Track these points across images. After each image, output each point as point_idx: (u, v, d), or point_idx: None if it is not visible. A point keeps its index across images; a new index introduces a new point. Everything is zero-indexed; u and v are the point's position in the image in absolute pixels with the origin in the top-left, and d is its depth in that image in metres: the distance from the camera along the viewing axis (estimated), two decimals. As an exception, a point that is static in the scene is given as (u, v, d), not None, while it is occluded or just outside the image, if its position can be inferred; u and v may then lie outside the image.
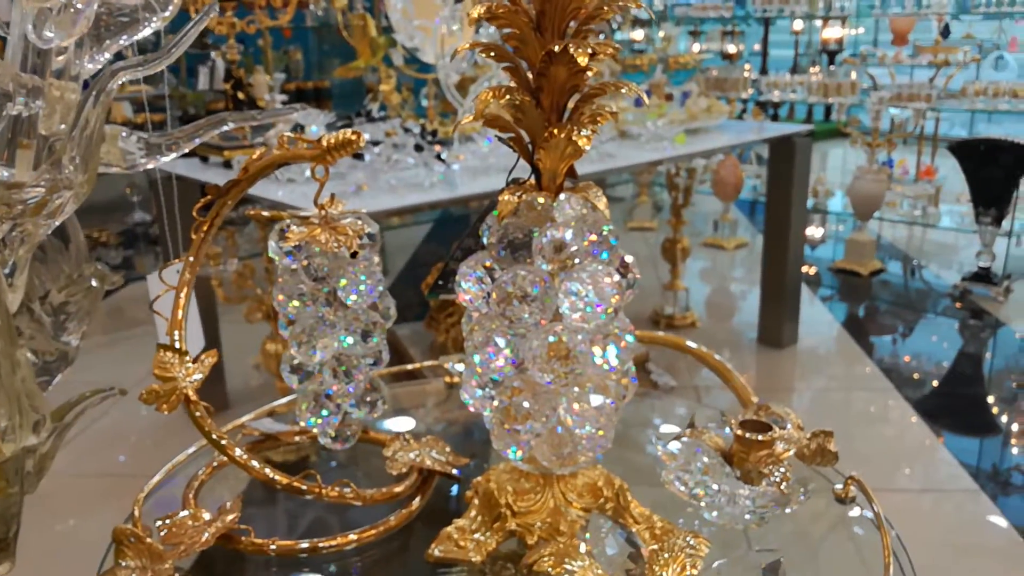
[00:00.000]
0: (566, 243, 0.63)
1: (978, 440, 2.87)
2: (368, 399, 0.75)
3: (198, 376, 0.70)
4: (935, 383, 3.29)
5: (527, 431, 0.67)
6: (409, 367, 1.06)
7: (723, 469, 0.73)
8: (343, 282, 0.69)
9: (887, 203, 4.83)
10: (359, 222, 0.69)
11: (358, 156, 2.40)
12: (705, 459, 0.73)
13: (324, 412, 0.73)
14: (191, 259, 0.76)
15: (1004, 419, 3.01)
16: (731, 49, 7.38)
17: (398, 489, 0.77)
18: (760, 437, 0.71)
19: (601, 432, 0.67)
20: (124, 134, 0.90)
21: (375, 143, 2.41)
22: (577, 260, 0.64)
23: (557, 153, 0.63)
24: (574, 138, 0.60)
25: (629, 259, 0.68)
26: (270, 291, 2.72)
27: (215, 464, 0.85)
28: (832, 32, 7.69)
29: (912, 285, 4.65)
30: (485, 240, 0.67)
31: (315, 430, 0.74)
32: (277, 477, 0.70)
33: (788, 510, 0.71)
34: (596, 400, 0.66)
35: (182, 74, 6.64)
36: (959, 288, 4.24)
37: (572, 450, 0.68)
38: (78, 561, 1.99)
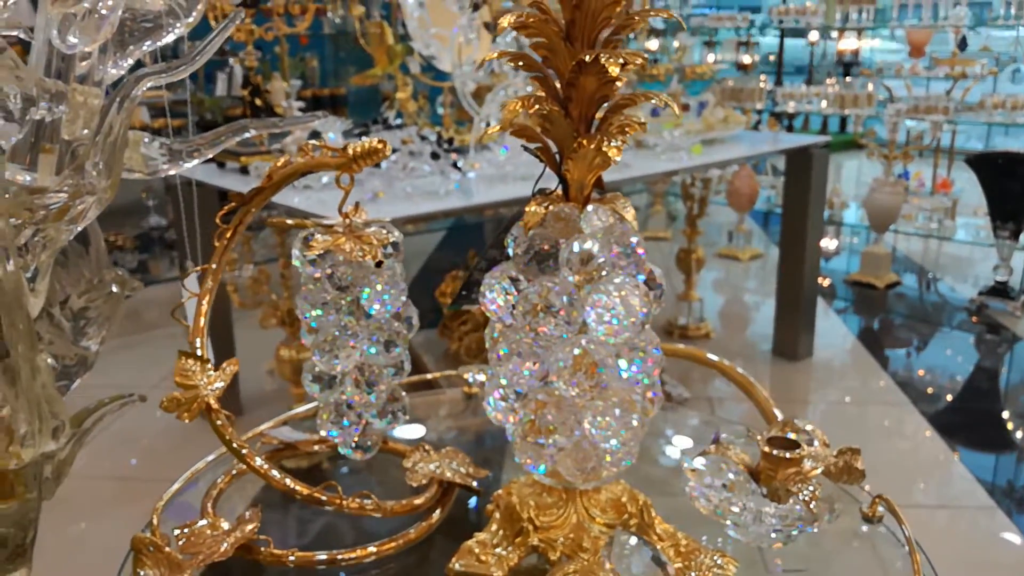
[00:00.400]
0: (593, 254, 0.62)
1: (994, 456, 2.84)
2: (390, 409, 0.74)
3: (220, 384, 0.70)
4: (951, 398, 3.26)
5: (551, 445, 0.66)
6: (428, 376, 1.05)
7: (749, 486, 0.72)
8: (367, 292, 0.68)
9: (903, 216, 4.80)
10: (384, 231, 0.68)
11: (375, 164, 2.40)
12: (731, 476, 0.71)
13: (345, 422, 0.72)
14: (213, 266, 0.75)
15: (1020, 435, 2.98)
16: (746, 60, 7.37)
17: (418, 501, 0.76)
18: (788, 455, 0.70)
19: (626, 447, 0.66)
20: (147, 140, 0.90)
21: (392, 151, 2.41)
22: (604, 272, 0.63)
23: (585, 164, 0.62)
24: (604, 148, 0.59)
25: (656, 271, 0.67)
26: (285, 297, 2.73)
27: (234, 472, 0.84)
28: (848, 44, 7.67)
29: (928, 298, 4.61)
30: (510, 251, 0.66)
31: (336, 440, 0.73)
32: (298, 488, 0.69)
33: (814, 529, 0.70)
34: (621, 414, 0.65)
35: (199, 80, 6.69)
36: (976, 302, 4.20)
37: (596, 465, 0.67)
38: (92, 566, 1.98)
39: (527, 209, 0.64)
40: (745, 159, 3.67)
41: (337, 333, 0.69)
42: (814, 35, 7.98)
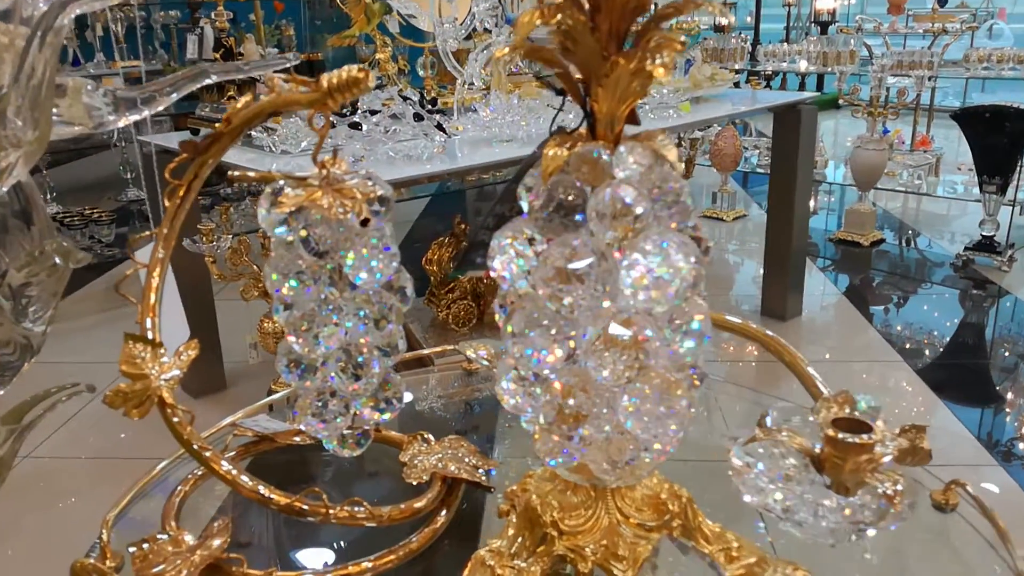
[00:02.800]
0: (630, 205, 0.51)
1: (984, 409, 2.82)
2: (382, 397, 0.62)
3: (175, 373, 0.57)
4: (941, 353, 3.24)
5: (578, 437, 0.55)
6: (424, 352, 0.94)
7: (811, 476, 0.62)
8: (350, 257, 0.56)
9: (886, 173, 4.72)
10: (369, 183, 0.56)
11: (355, 126, 2.27)
12: (791, 465, 0.61)
13: (330, 414, 0.60)
14: (165, 231, 0.63)
15: (1008, 388, 2.96)
16: (724, 20, 7.22)
17: (419, 504, 0.64)
18: (859, 439, 0.59)
19: (669, 437, 0.55)
20: (90, 87, 0.77)
21: (372, 112, 2.28)
22: (643, 226, 0.51)
23: (618, 91, 0.50)
24: (648, 67, 0.47)
25: (698, 225, 0.56)
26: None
27: (200, 473, 0.72)
28: (824, 2, 7.53)
29: (913, 255, 4.58)
30: (525, 204, 0.54)
31: (320, 436, 0.61)
32: (274, 497, 0.57)
33: (892, 527, 0.60)
34: (664, 398, 0.54)
35: (173, 50, 6.47)
36: (962, 257, 4.15)
37: (633, 459, 0.56)
38: (71, 548, 1.87)
39: (545, 152, 0.52)
40: (734, 117, 3.57)
41: (316, 308, 0.57)
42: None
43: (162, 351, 0.58)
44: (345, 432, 0.61)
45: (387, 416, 0.61)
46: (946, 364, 3.14)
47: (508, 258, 0.55)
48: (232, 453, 0.75)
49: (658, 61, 0.46)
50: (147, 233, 0.61)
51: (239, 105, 0.60)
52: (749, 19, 9.48)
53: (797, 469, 0.63)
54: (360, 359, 0.58)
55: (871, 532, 0.59)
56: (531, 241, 0.54)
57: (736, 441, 0.65)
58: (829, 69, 5.24)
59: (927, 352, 3.23)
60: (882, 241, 4.56)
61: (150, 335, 0.59)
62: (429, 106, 2.46)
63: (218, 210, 3.06)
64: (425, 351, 0.95)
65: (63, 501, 2.19)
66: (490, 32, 2.79)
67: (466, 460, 0.70)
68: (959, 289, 3.95)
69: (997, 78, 4.74)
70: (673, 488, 0.62)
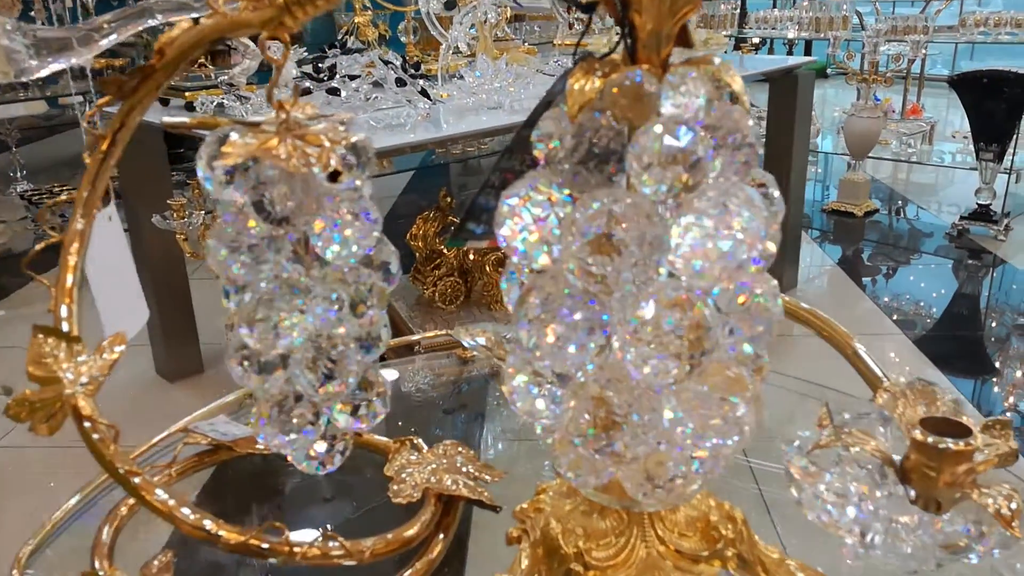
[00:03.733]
0: (684, 149, 0.38)
1: (983, 380, 2.76)
2: (362, 399, 0.49)
3: (96, 375, 0.45)
4: (938, 324, 3.17)
5: (610, 452, 0.43)
6: (414, 338, 0.82)
7: (889, 489, 0.50)
8: (318, 224, 0.43)
9: (879, 141, 4.62)
10: (341, 128, 0.43)
11: (333, 92, 2.13)
12: (868, 476, 0.49)
13: (295, 424, 0.48)
14: (84, 195, 0.50)
15: (1005, 357, 2.90)
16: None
17: (410, 532, 0.52)
18: (958, 444, 0.47)
19: (725, 450, 0.43)
20: (8, 26, 0.64)
21: (352, 77, 2.14)
22: (701, 177, 0.39)
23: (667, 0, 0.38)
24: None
25: (768, 177, 0.43)
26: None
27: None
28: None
29: (908, 225, 4.50)
30: (544, 153, 0.42)
31: (283, 451, 0.49)
32: (223, 534, 0.45)
33: (995, 553, 0.48)
34: (722, 403, 0.42)
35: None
36: (957, 227, 4.07)
37: (679, 477, 0.44)
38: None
39: (570, 83, 0.40)
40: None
41: (275, 290, 0.44)
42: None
43: (79, 348, 0.45)
44: (316, 445, 0.49)
45: (366, 425, 0.48)
46: (943, 335, 3.08)
47: (521, 223, 0.42)
48: (177, 468, 0.63)
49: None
50: (62, 198, 0.48)
51: (174, 32, 0.47)
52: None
53: (872, 481, 0.51)
54: (333, 354, 0.45)
55: (973, 559, 0.48)
56: (551, 200, 0.42)
57: (795, 445, 0.54)
58: (822, 35, 5.11)
59: (924, 323, 3.17)
60: (876, 211, 4.48)
61: (65, 327, 0.46)
62: (412, 71, 2.32)
63: (191, 184, 2.92)
64: (414, 337, 0.83)
65: (15, 495, 2.08)
66: (476, -4, 2.65)
67: (464, 470, 0.58)
68: (954, 259, 3.89)
69: (994, 43, 4.62)
70: (724, 508, 0.50)
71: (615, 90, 0.39)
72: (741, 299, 0.41)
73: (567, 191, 0.41)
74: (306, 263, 0.45)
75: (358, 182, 0.45)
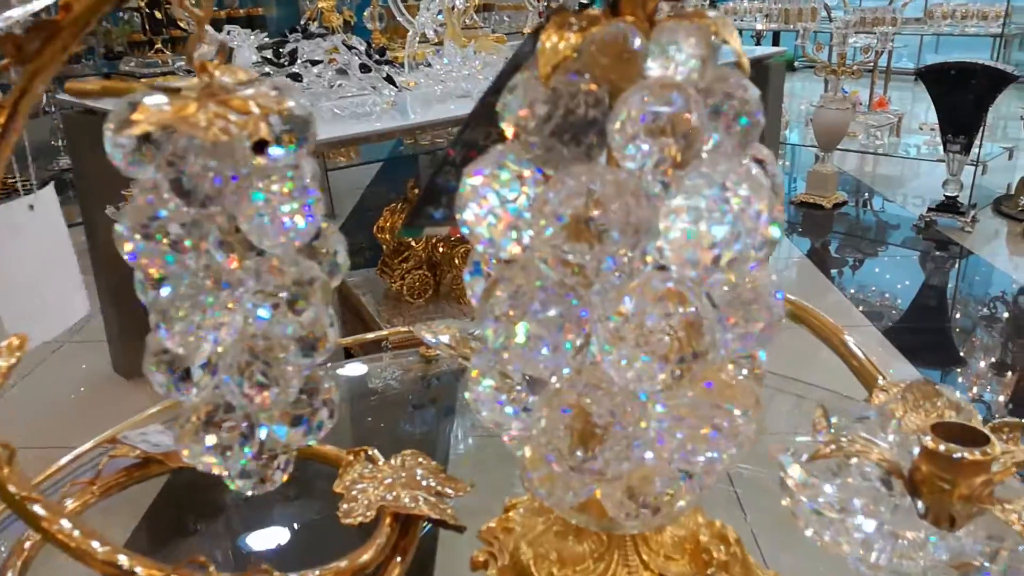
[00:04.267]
0: (677, 115, 0.33)
1: (953, 371, 2.75)
2: (305, 409, 0.43)
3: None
4: (907, 315, 3.17)
5: (591, 468, 0.37)
6: (371, 336, 0.76)
7: (894, 502, 0.45)
8: (249, 207, 0.37)
9: (847, 133, 4.63)
10: (274, 93, 0.37)
11: (295, 77, 2.05)
12: (874, 487, 0.44)
13: (226, 439, 0.41)
14: (-18, 176, 0.43)
15: (972, 348, 2.90)
16: None
17: (365, 557, 0.46)
18: (976, 454, 0.42)
19: (720, 464, 0.38)
20: None
21: (314, 62, 2.07)
22: (696, 150, 0.33)
23: (658, -59, 0.32)
24: None
25: (766, 153, 0.38)
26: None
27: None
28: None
29: (876, 217, 4.52)
30: (513, 123, 0.36)
31: (214, 469, 0.42)
32: (140, 570, 0.38)
33: (1001, 567, 0.44)
34: (716, 412, 0.36)
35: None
36: (925, 218, 4.09)
37: (665, 496, 0.39)
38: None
39: (543, 41, 0.34)
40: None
41: (203, 284, 0.38)
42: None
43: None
44: (250, 463, 0.42)
45: (310, 439, 0.42)
46: (911, 326, 3.09)
47: (486, 206, 0.37)
48: (101, 484, 0.56)
49: None
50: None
51: (80, -18, 0.40)
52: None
53: (876, 493, 0.46)
54: (268, 358, 0.39)
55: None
56: (521, 178, 0.36)
57: (790, 452, 0.49)
58: (790, 26, 5.11)
59: (892, 314, 3.17)
60: (844, 203, 4.49)
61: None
62: (377, 56, 2.25)
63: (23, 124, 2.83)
64: (369, 336, 0.76)
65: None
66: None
67: (425, 484, 0.51)
68: (921, 251, 3.91)
69: (961, 35, 4.64)
70: (715, 526, 0.45)
71: (594, 47, 0.33)
72: (739, 292, 0.36)
73: (539, 168, 0.35)
74: (237, 252, 0.39)
75: (297, 157, 0.39)
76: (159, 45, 2.81)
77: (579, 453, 0.37)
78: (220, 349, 0.39)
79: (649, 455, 0.38)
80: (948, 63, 4.09)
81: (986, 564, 0.44)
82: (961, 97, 4.02)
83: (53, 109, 5.53)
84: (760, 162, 0.37)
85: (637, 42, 0.33)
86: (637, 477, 0.39)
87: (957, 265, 3.73)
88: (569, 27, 0.34)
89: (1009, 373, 2.77)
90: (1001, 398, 2.59)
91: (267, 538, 0.66)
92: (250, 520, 0.64)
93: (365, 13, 3.19)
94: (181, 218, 0.36)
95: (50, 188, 0.60)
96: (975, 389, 2.63)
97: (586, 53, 0.33)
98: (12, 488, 0.37)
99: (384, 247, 2.51)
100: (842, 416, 0.52)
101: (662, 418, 0.37)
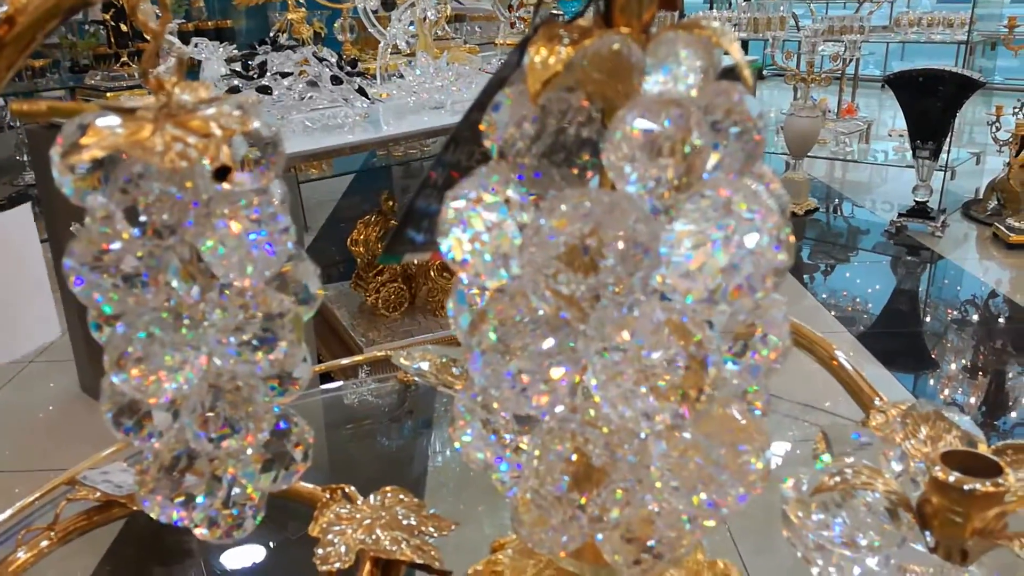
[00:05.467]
0: (678, 131, 0.30)
1: (927, 375, 2.79)
2: (275, 453, 0.40)
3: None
4: (880, 320, 3.20)
5: (585, 515, 0.34)
6: (345, 361, 0.72)
7: (901, 534, 0.43)
8: (212, 238, 0.34)
9: (816, 140, 4.67)
10: (236, 112, 0.34)
11: (264, 90, 2.02)
12: (879, 518, 0.42)
13: (191, 487, 0.38)
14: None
15: (944, 351, 2.94)
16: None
17: (340, 611, 0.43)
18: (989, 485, 0.40)
19: (725, 506, 0.35)
20: None
21: (284, 75, 2.03)
22: (698, 171, 0.31)
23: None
24: None
25: (767, 172, 0.35)
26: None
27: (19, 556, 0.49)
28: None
29: (847, 223, 4.56)
30: (499, 143, 0.33)
31: (180, 522, 0.39)
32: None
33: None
34: (723, 452, 0.34)
35: (72, 23, 6.03)
36: (896, 224, 4.13)
37: (667, 540, 0.36)
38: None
39: (531, 55, 0.31)
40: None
41: (162, 322, 0.35)
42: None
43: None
44: (217, 511, 0.39)
45: (283, 483, 0.39)
46: (884, 331, 3.12)
47: (471, 231, 0.34)
48: (60, 530, 0.52)
49: None
50: None
51: (25, -3, 0.37)
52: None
53: (881, 527, 0.44)
54: (235, 399, 0.36)
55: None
56: (508, 202, 0.33)
57: (792, 484, 0.46)
58: (759, 35, 5.14)
59: (865, 319, 3.20)
60: (816, 210, 4.53)
61: None
62: (349, 68, 2.22)
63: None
64: (344, 361, 0.73)
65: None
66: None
67: (406, 523, 0.48)
68: (893, 256, 3.96)
69: (927, 43, 4.70)
70: (718, 567, 0.42)
71: (587, 62, 0.30)
72: (744, 321, 0.33)
73: (528, 191, 0.33)
74: (199, 285, 0.35)
75: (264, 181, 0.36)
76: (125, 58, 2.75)
77: (575, 497, 0.34)
78: (181, 392, 0.36)
79: (650, 498, 0.35)
80: (916, 70, 4.15)
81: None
82: (929, 103, 4.07)
83: (17, 124, 5.43)
84: (767, 177, 0.35)
85: (633, 55, 0.30)
86: (637, 522, 0.36)
87: (928, 269, 3.77)
88: (559, 40, 0.31)
89: (980, 375, 2.80)
90: (973, 400, 2.61)
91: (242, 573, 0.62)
92: (217, 564, 0.61)
93: (336, 25, 3.17)
94: (136, 249, 0.33)
95: (26, 207, 0.57)
96: (947, 392, 2.65)
97: (578, 68, 0.31)
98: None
99: (358, 260, 2.47)
100: (841, 443, 0.50)
101: (664, 459, 0.34)
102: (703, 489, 0.34)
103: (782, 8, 5.28)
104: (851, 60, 4.92)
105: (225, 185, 0.32)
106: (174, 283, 0.34)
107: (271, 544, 0.61)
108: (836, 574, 0.43)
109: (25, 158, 5.29)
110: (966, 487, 0.40)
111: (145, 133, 0.31)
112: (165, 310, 0.34)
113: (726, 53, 0.31)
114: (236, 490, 0.39)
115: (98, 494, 0.53)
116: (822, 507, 0.45)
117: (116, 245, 0.33)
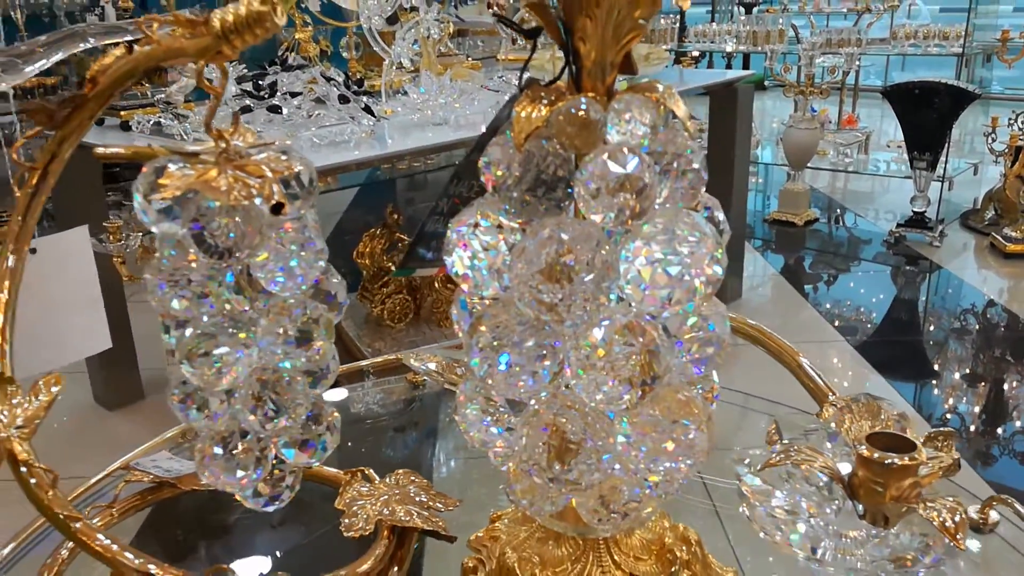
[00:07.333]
0: (632, 176, 0.38)
1: (924, 384, 2.82)
2: (310, 434, 0.48)
3: (32, 418, 0.43)
4: (879, 329, 3.23)
5: (567, 479, 0.42)
6: (362, 364, 0.80)
7: (836, 504, 0.51)
8: (262, 256, 0.42)
9: (816, 152, 4.74)
10: (283, 158, 0.42)
11: (274, 110, 2.10)
12: (816, 493, 0.50)
13: (241, 461, 0.46)
14: (16, 229, 0.48)
15: (944, 361, 2.97)
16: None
17: (364, 567, 0.51)
18: (901, 460, 0.48)
19: (679, 473, 0.43)
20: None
21: (294, 94, 2.11)
22: (649, 204, 0.39)
23: (612, 24, 0.38)
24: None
25: (712, 201, 0.44)
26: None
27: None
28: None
29: (847, 233, 4.60)
30: (493, 179, 0.42)
31: (229, 489, 0.47)
32: (168, 578, 0.43)
33: (932, 559, 0.49)
34: (675, 427, 0.42)
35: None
36: (894, 234, 4.18)
37: (633, 502, 0.44)
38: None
39: (517, 111, 0.40)
40: (670, 96, 3.48)
41: (220, 325, 0.43)
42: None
43: (14, 389, 0.43)
44: (262, 482, 0.47)
45: (316, 460, 0.47)
46: (883, 341, 3.15)
47: (470, 251, 0.42)
48: (119, 507, 0.60)
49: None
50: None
51: (107, 60, 0.45)
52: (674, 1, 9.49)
53: (821, 497, 0.52)
54: (279, 388, 0.44)
55: (920, 573, 0.48)
56: (500, 227, 0.41)
57: (746, 463, 0.54)
58: (759, 48, 5.23)
59: (865, 329, 3.23)
60: (816, 220, 4.57)
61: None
62: (355, 87, 2.30)
63: (127, 206, 2.84)
64: (363, 363, 0.81)
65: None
66: (417, 10, 2.64)
67: (418, 499, 0.57)
68: (892, 266, 3.98)
69: (924, 55, 4.78)
70: (679, 529, 0.50)
71: (561, 118, 0.39)
72: (691, 323, 0.42)
73: (516, 218, 0.41)
74: (249, 295, 0.44)
75: (302, 211, 0.44)
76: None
77: (556, 466, 0.42)
78: (236, 382, 0.44)
79: (617, 467, 0.43)
80: (912, 82, 4.21)
81: (920, 558, 0.50)
82: (925, 115, 4.13)
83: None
84: (707, 208, 0.43)
85: (598, 113, 0.39)
86: (607, 487, 0.44)
87: (927, 279, 3.80)
88: (540, 100, 0.39)
89: (980, 384, 2.83)
90: (976, 409, 2.65)
91: (265, 553, 0.70)
92: (249, 536, 0.69)
93: (341, 42, 3.23)
94: (203, 268, 0.42)
95: (83, 229, 0.65)
96: (951, 401, 2.69)
97: (554, 122, 0.39)
98: (56, 509, 0.42)
99: (364, 272, 2.53)
100: (794, 429, 0.58)
101: (627, 434, 0.42)
102: (659, 458, 0.42)
103: (781, 21, 5.37)
104: (849, 72, 4.99)
105: (277, 217, 0.40)
106: (230, 294, 0.43)
107: (287, 527, 0.69)
108: (781, 537, 0.51)
109: (27, 173, 5.36)
110: (885, 462, 0.48)
111: (212, 175, 0.39)
112: (223, 316, 0.43)
113: (674, 114, 0.39)
114: (277, 465, 0.47)
115: (151, 477, 0.62)
116: (770, 481, 0.53)
117: (186, 263, 0.41)
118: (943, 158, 4.18)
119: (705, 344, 0.42)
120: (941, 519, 0.47)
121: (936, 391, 2.76)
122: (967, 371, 2.91)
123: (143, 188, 0.41)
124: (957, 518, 0.47)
